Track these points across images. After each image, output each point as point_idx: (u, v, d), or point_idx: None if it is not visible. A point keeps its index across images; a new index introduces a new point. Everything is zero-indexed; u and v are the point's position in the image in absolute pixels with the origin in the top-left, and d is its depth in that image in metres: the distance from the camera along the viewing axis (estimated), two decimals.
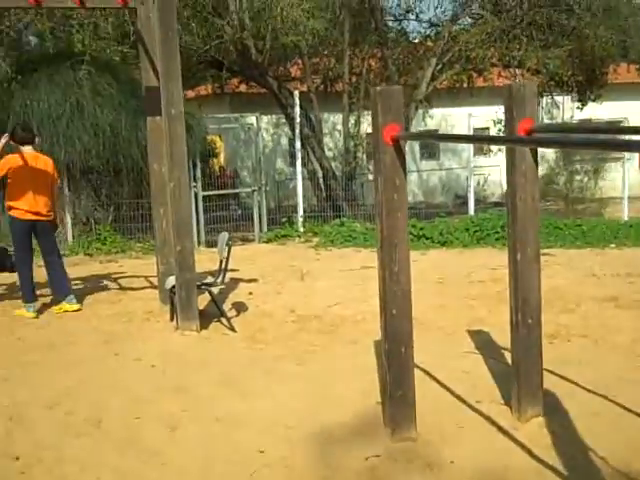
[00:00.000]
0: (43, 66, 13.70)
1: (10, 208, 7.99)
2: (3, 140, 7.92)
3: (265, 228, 15.01)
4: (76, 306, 8.12)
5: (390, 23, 20.20)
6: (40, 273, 8.52)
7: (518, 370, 4.70)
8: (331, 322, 7.47)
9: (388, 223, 4.38)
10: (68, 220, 13.37)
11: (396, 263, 4.41)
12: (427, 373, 5.54)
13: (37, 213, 7.95)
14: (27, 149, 7.97)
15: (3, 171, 7.81)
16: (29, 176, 7.90)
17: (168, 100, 6.86)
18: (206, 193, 14.31)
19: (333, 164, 18.50)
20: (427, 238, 12.98)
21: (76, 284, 9.51)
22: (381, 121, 4.29)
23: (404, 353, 4.48)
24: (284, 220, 15.39)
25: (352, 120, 18.85)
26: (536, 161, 4.49)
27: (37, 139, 8.31)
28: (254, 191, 15.07)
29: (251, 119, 16.14)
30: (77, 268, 10.86)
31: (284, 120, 19.92)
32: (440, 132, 21.65)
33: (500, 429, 4.64)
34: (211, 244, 13.35)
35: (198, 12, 14.40)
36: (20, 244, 8.09)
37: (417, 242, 12.55)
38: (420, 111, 19.41)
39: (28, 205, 7.90)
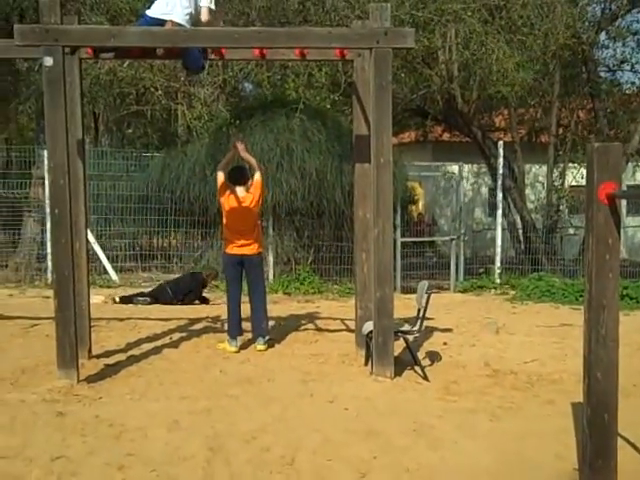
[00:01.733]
0: (259, 112, 14.48)
1: (224, 244, 8.64)
2: (235, 151, 8.61)
3: (461, 277, 14.89)
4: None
5: (603, 74, 19.63)
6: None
7: None
8: (527, 379, 7.28)
9: (598, 284, 4.25)
10: (270, 259, 13.92)
11: (604, 325, 4.26)
12: (630, 443, 5.27)
13: (244, 248, 8.44)
14: (239, 190, 8.48)
15: (221, 201, 8.50)
16: (239, 215, 8.44)
17: (378, 149, 7.01)
18: (404, 240, 14.42)
19: (533, 216, 18.09)
20: (631, 298, 12.36)
21: (276, 322, 9.85)
22: (596, 178, 4.19)
23: (607, 420, 4.30)
24: (481, 271, 15.18)
25: (556, 172, 18.39)
26: None
27: (250, 182, 8.75)
28: (452, 240, 15.01)
29: (453, 168, 16.15)
30: (277, 307, 11.26)
31: (485, 169, 19.77)
32: None
33: None
34: (406, 290, 13.43)
35: (408, 62, 14.68)
36: (229, 278, 8.64)
37: (620, 302, 11.92)
38: (630, 165, 18.60)
39: (236, 240, 8.43)
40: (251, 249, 8.47)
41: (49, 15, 6.80)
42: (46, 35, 6.65)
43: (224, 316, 9.03)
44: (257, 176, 8.55)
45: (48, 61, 6.65)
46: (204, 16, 7.73)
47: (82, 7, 14.28)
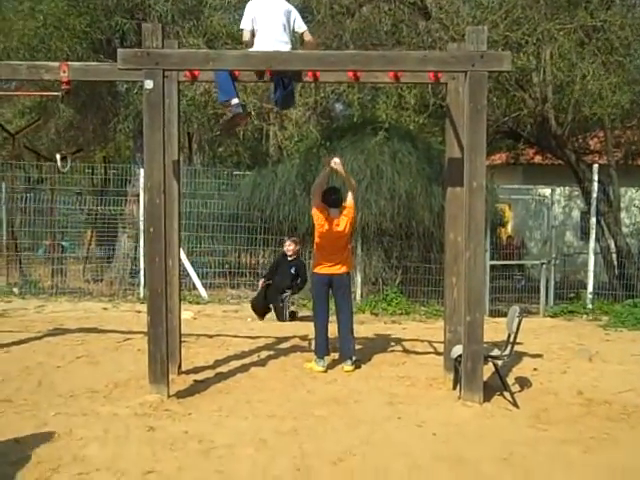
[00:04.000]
0: (349, 133, 14.54)
1: (313, 264, 8.70)
2: (329, 169, 8.61)
3: (551, 302, 14.59)
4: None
5: None
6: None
7: None
8: (622, 409, 7.04)
9: None
10: (358, 279, 13.93)
11: None
12: None
13: (333, 268, 8.52)
14: (333, 211, 8.55)
15: (315, 222, 8.57)
16: (331, 236, 8.51)
17: (471, 173, 6.95)
18: (493, 263, 14.22)
19: (628, 240, 17.55)
20: None
21: (363, 343, 9.84)
22: None
23: None
24: (571, 295, 14.83)
25: None
26: None
27: (343, 203, 8.75)
28: (543, 264, 14.73)
29: (545, 191, 15.88)
30: (363, 327, 11.24)
31: (577, 192, 19.33)
32: None
33: None
34: (494, 313, 13.25)
35: (500, 84, 14.49)
36: (318, 298, 8.67)
37: None
38: None
39: (326, 261, 8.52)
40: (340, 269, 8.53)
41: (151, 39, 7.00)
42: (147, 59, 6.85)
43: (311, 335, 9.07)
44: (350, 198, 8.60)
45: (149, 84, 6.84)
46: (307, 37, 8.10)
47: (181, 30, 14.64)
